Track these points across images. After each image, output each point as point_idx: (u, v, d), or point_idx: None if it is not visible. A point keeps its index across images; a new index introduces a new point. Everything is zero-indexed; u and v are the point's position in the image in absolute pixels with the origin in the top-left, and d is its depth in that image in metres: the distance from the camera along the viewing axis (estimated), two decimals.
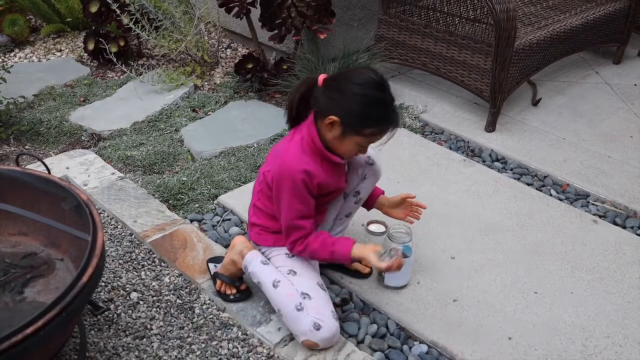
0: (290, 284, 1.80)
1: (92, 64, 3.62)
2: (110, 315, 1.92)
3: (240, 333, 1.87)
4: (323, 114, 1.69)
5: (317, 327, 1.74)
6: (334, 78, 1.70)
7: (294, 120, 1.79)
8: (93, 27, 3.52)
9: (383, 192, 2.08)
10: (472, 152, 2.85)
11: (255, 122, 3.00)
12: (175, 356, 1.79)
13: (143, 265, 2.12)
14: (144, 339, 1.84)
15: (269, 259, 1.89)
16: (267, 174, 1.79)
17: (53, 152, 2.80)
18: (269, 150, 2.73)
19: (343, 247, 1.78)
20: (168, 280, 2.06)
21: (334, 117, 1.66)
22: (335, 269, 2.08)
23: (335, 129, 1.68)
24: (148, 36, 3.34)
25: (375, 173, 1.99)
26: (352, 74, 1.69)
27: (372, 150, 1.91)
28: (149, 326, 1.89)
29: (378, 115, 1.68)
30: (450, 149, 2.85)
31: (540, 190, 2.58)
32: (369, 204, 2.08)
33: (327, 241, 1.78)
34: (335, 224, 2.04)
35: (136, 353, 1.80)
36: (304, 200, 1.73)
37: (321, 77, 1.70)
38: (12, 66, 3.09)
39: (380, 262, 1.75)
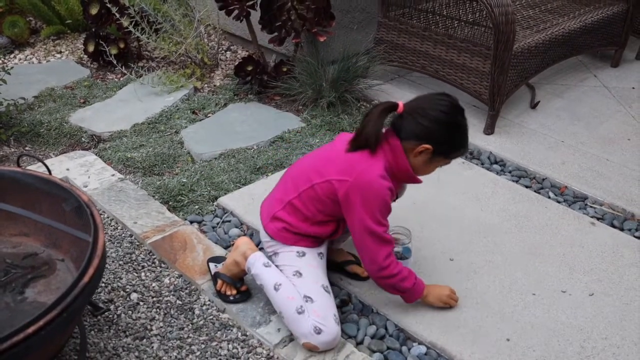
0: (292, 286, 1.80)
1: (92, 65, 3.63)
2: (111, 316, 1.92)
3: (240, 334, 1.88)
4: (407, 140, 1.76)
5: (318, 331, 1.74)
6: (417, 106, 1.76)
7: (376, 145, 1.78)
8: (93, 29, 3.53)
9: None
10: (471, 154, 2.86)
11: (255, 124, 3.01)
12: (175, 357, 1.80)
13: (143, 266, 2.13)
14: (144, 340, 1.85)
15: (277, 253, 1.90)
16: (337, 184, 1.76)
17: (53, 154, 2.81)
18: (281, 150, 2.74)
19: (420, 285, 1.90)
20: (168, 281, 2.07)
21: (427, 146, 1.74)
22: (334, 270, 2.09)
23: (425, 155, 1.76)
24: (148, 38, 3.36)
25: (401, 189, 2.00)
26: (435, 101, 1.76)
27: None
28: (149, 327, 1.90)
29: (463, 140, 1.80)
30: None
31: (539, 193, 2.59)
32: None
33: (412, 272, 1.88)
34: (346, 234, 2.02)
35: (136, 353, 1.80)
36: (386, 216, 1.79)
37: (400, 104, 1.76)
38: (12, 68, 3.09)
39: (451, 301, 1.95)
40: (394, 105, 1.76)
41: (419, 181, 1.84)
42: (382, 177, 1.74)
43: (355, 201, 1.74)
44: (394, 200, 1.96)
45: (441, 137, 1.74)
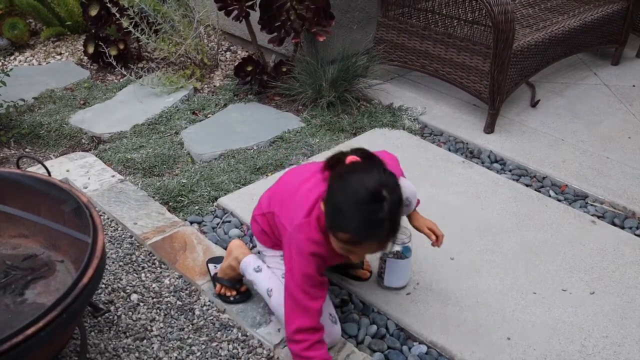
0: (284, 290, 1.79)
1: (92, 67, 3.63)
2: (111, 317, 1.92)
3: (240, 334, 1.88)
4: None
5: None
6: (348, 166, 1.54)
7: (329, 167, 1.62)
8: (93, 31, 3.53)
9: (419, 202, 1.96)
10: (471, 153, 2.86)
11: (255, 124, 3.01)
12: (176, 357, 1.80)
13: (143, 267, 2.13)
14: (144, 341, 1.85)
15: (264, 255, 1.89)
16: (279, 223, 1.70)
17: (53, 155, 2.81)
18: (281, 150, 2.73)
19: None
20: (168, 282, 2.07)
21: (322, 205, 1.55)
22: (335, 271, 2.09)
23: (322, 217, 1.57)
24: (148, 39, 3.36)
25: (406, 212, 1.91)
26: (359, 171, 1.50)
27: (410, 189, 1.82)
28: (149, 327, 1.90)
29: (355, 224, 1.45)
30: (450, 150, 2.86)
31: (539, 191, 2.58)
32: None
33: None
34: None
35: (136, 354, 1.80)
36: (312, 284, 1.60)
37: (349, 158, 1.56)
38: (12, 69, 3.09)
39: None
40: (344, 157, 1.57)
41: (340, 260, 1.66)
42: (311, 240, 1.58)
43: (286, 255, 1.64)
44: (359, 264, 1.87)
45: (331, 204, 1.50)
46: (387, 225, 1.45)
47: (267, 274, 1.85)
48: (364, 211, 1.44)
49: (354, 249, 1.52)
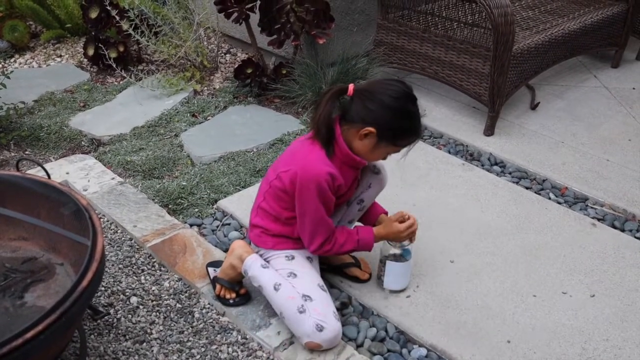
0: (291, 286, 1.80)
1: (91, 69, 3.63)
2: (110, 320, 1.92)
3: (239, 337, 1.88)
4: (354, 123, 1.74)
5: (320, 329, 1.74)
6: (366, 89, 1.74)
7: (328, 133, 1.76)
8: (93, 33, 3.53)
9: (386, 212, 2.08)
10: (471, 156, 2.86)
11: (255, 126, 3.01)
12: None
13: (143, 270, 2.13)
14: (144, 344, 1.85)
15: (268, 261, 1.90)
16: (283, 175, 1.79)
17: (53, 158, 2.81)
18: (281, 152, 2.74)
19: (366, 233, 1.88)
20: (168, 285, 2.07)
21: (370, 129, 1.71)
22: (335, 273, 2.09)
23: (370, 139, 1.73)
24: (147, 42, 3.36)
25: (380, 182, 2.01)
26: (386, 86, 1.73)
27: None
28: (148, 330, 1.89)
29: (411, 128, 1.75)
30: (449, 153, 2.86)
31: (539, 194, 2.58)
32: (370, 222, 2.08)
33: (351, 232, 1.87)
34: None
35: (136, 357, 1.80)
36: (329, 201, 1.77)
37: (351, 87, 1.74)
38: (12, 72, 3.09)
39: (403, 228, 1.89)
40: (345, 89, 1.74)
41: (363, 163, 1.81)
42: (320, 162, 1.73)
43: (298, 187, 1.75)
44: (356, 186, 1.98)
45: (386, 122, 1.71)
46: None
47: (274, 271, 1.86)
48: (415, 111, 1.73)
49: (401, 149, 1.79)
